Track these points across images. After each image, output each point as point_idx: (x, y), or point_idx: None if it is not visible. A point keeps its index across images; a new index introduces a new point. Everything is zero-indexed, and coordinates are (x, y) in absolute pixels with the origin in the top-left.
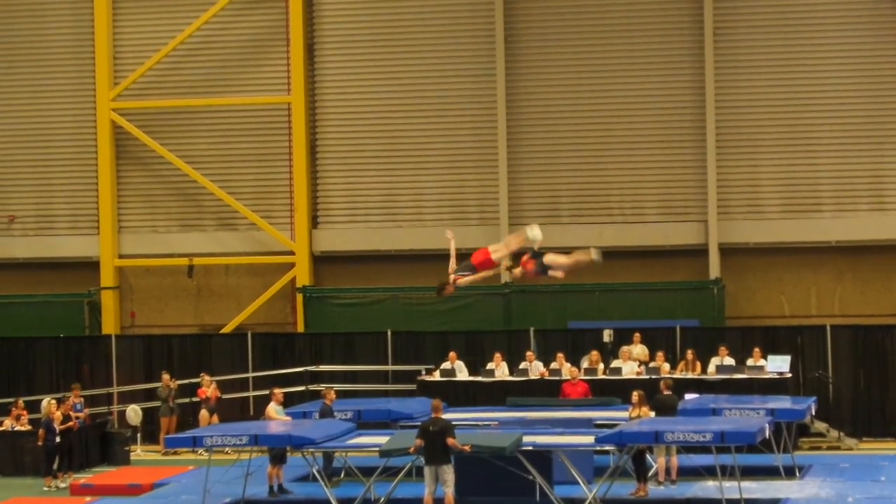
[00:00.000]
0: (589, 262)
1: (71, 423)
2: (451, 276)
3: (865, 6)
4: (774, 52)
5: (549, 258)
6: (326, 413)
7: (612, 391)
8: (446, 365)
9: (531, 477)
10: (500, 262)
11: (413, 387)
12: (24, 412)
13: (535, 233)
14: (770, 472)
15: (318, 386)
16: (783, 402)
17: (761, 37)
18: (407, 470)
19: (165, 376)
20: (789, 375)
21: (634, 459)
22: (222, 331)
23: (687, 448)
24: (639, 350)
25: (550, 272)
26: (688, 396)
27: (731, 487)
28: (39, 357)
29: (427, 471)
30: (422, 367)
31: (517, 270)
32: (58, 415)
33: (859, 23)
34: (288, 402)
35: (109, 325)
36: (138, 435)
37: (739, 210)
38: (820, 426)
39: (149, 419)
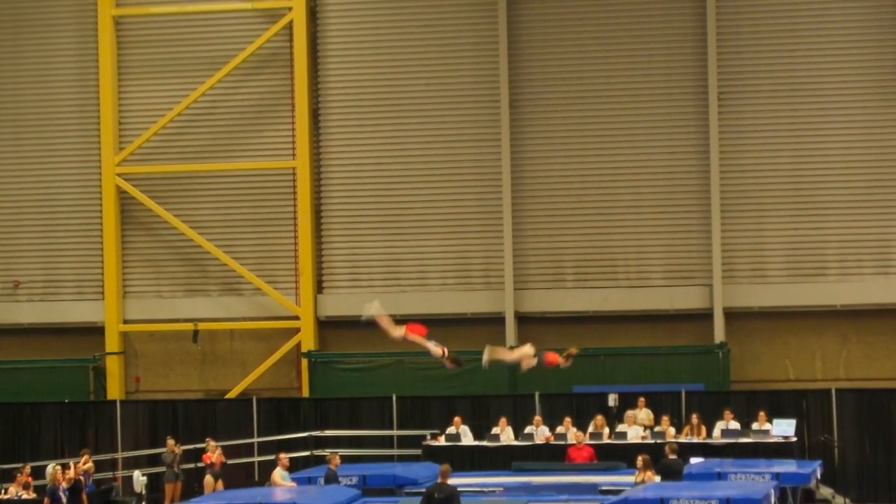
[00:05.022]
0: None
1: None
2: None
3: (870, 71)
4: (779, 117)
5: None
6: (331, 478)
7: (618, 455)
8: (451, 429)
9: None
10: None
11: (418, 451)
12: (31, 479)
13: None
14: None
15: (322, 451)
16: (788, 466)
17: (766, 101)
18: None
19: (170, 441)
20: (794, 439)
21: None
22: (227, 396)
23: None
24: (644, 414)
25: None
26: (693, 460)
27: None
28: (44, 422)
29: None
30: (427, 432)
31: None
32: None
33: (864, 88)
34: (293, 467)
35: (114, 391)
36: (143, 502)
37: (744, 274)
38: (825, 491)
39: (154, 485)
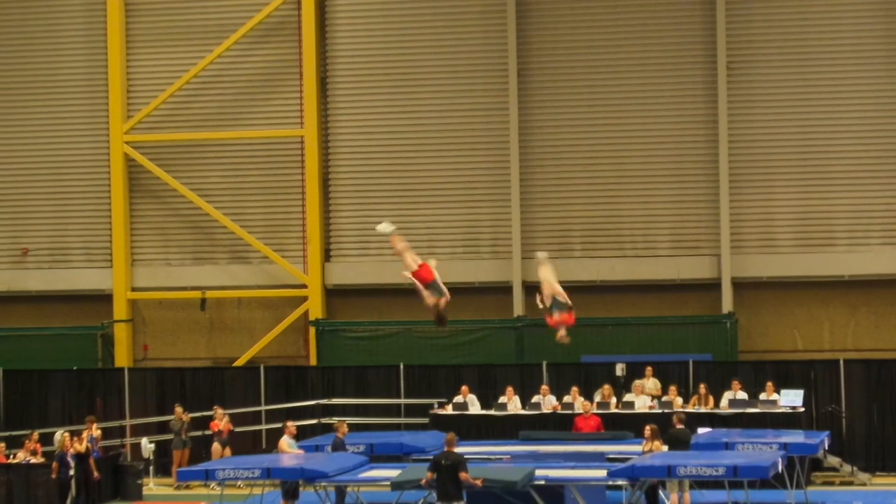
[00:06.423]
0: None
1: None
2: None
3: (880, 40)
4: (787, 87)
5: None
6: (339, 446)
7: (625, 425)
8: (459, 398)
9: None
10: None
11: (425, 420)
12: (38, 445)
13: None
14: None
15: (330, 419)
16: (796, 437)
17: (775, 71)
18: None
19: (178, 409)
20: (802, 410)
21: (647, 495)
22: (235, 364)
23: (700, 483)
24: (651, 384)
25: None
26: (700, 430)
27: None
28: (53, 390)
29: None
30: (434, 401)
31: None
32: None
33: (874, 57)
34: (300, 435)
35: (122, 358)
36: (151, 468)
37: (752, 244)
38: (833, 461)
39: (161, 452)
